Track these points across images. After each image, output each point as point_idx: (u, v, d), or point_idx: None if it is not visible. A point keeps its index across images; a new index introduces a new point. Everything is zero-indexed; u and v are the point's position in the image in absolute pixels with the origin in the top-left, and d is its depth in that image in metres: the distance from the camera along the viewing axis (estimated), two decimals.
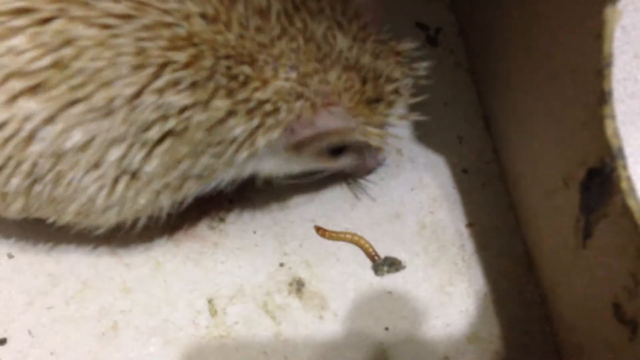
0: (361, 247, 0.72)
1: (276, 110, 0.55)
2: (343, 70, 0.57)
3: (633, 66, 0.46)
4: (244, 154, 0.56)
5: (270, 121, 0.55)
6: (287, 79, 0.55)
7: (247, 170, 0.61)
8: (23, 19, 0.49)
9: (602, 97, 0.49)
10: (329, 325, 0.69)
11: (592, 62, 0.49)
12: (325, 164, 0.66)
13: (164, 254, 0.71)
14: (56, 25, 0.49)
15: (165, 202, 0.59)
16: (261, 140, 0.56)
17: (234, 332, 0.68)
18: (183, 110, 0.52)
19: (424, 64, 0.63)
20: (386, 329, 0.69)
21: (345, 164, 0.68)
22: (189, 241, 0.72)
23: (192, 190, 0.59)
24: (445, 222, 0.75)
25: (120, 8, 0.50)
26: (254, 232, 0.72)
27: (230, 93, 0.53)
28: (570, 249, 0.59)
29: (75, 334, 0.67)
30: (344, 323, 0.70)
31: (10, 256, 0.69)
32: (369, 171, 0.74)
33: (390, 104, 0.61)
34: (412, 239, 0.74)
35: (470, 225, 0.74)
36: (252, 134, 0.56)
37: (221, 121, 0.54)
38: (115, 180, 0.55)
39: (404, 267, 0.72)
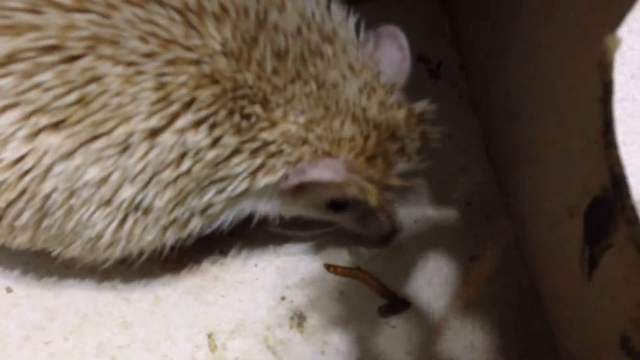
0: (372, 286, 0.71)
1: (279, 152, 0.55)
2: (347, 120, 0.56)
3: (631, 86, 0.46)
4: (241, 189, 0.56)
5: (272, 162, 0.55)
6: (295, 123, 0.55)
7: (246, 209, 0.60)
8: (52, 56, 0.50)
9: (604, 126, 0.48)
10: None
11: (593, 91, 0.49)
12: (322, 216, 0.65)
13: (163, 288, 0.70)
14: (83, 62, 0.50)
15: (172, 238, 0.59)
16: (261, 181, 0.56)
17: None
18: (199, 150, 0.53)
19: (438, 129, 0.63)
20: None
21: (345, 221, 0.66)
22: (189, 275, 0.71)
23: (197, 227, 0.59)
24: (449, 255, 0.74)
25: (146, 47, 0.51)
26: (255, 266, 0.72)
27: (239, 131, 0.53)
28: (576, 281, 0.58)
29: None
30: (346, 358, 0.68)
31: (9, 290, 0.69)
32: (380, 238, 0.71)
33: (392, 164, 0.59)
34: (416, 272, 0.73)
35: (474, 258, 0.73)
36: (253, 172, 0.55)
37: (227, 158, 0.54)
38: (125, 217, 0.55)
39: (408, 309, 0.71)
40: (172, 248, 0.62)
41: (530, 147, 0.65)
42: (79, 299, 0.69)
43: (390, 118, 0.58)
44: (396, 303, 0.71)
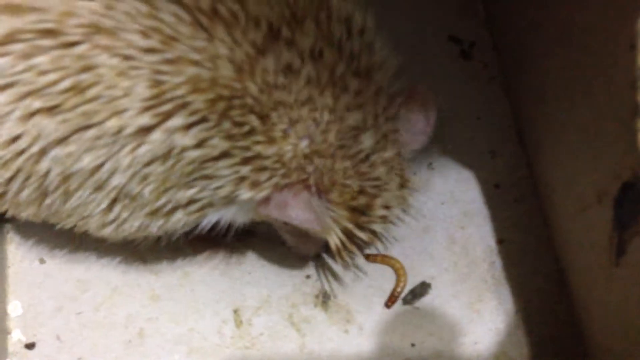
0: (397, 273, 0.71)
1: (271, 169, 0.53)
2: (352, 168, 0.55)
3: None
4: (224, 193, 0.54)
5: (260, 177, 0.53)
6: (295, 146, 0.53)
7: (226, 216, 0.59)
8: (49, 40, 0.50)
9: (636, 110, 0.47)
10: (354, 339, 0.69)
11: (626, 74, 0.48)
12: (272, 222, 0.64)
13: (191, 263, 0.71)
14: (79, 50, 0.49)
15: (155, 229, 0.58)
16: (245, 193, 0.54)
17: (258, 343, 0.68)
18: (185, 149, 0.52)
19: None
20: (412, 344, 0.68)
21: (283, 230, 0.65)
22: (216, 251, 0.72)
23: (181, 222, 0.57)
24: (476, 238, 0.73)
25: (146, 42, 0.50)
26: (282, 244, 0.72)
27: (230, 137, 0.52)
28: (604, 267, 0.57)
29: (102, 340, 0.68)
30: (369, 337, 0.69)
31: (42, 261, 0.71)
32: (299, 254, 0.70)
33: (371, 222, 0.58)
34: (442, 254, 0.73)
35: (501, 241, 0.73)
36: (239, 180, 0.54)
37: (215, 158, 0.53)
38: (113, 201, 0.55)
39: (430, 289, 0.71)
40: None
41: (561, 130, 0.64)
42: (109, 271, 0.71)
43: (390, 183, 0.58)
44: (416, 288, 0.71)
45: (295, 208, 0.54)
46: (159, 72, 0.50)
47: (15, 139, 0.52)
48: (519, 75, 0.76)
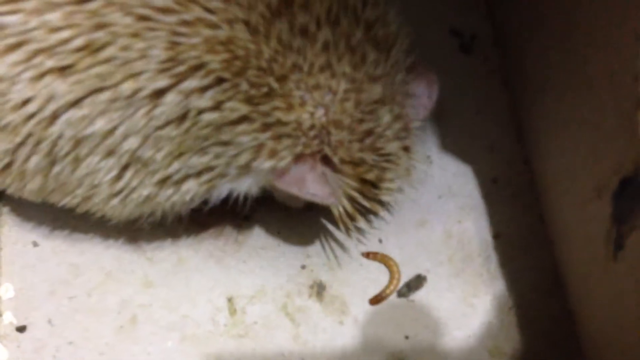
0: (391, 275, 0.71)
1: (292, 137, 0.53)
2: (368, 142, 0.55)
3: None
4: (242, 161, 0.54)
5: (280, 144, 0.53)
6: (312, 115, 0.53)
7: (241, 186, 0.58)
8: None
9: (639, 102, 0.47)
10: (348, 331, 0.68)
11: (629, 65, 0.48)
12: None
13: (187, 250, 0.71)
14: (92, 6, 0.49)
15: (164, 197, 0.57)
16: (265, 162, 0.54)
17: (252, 331, 0.68)
18: (200, 112, 0.52)
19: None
20: (406, 337, 0.68)
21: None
22: (213, 238, 0.71)
23: (191, 192, 0.57)
24: (472, 232, 0.73)
25: (162, 2, 0.49)
26: (278, 233, 0.72)
27: (248, 100, 0.52)
28: (601, 262, 0.57)
29: (94, 325, 0.67)
30: (363, 329, 0.69)
31: (35, 244, 0.70)
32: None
33: (379, 193, 0.59)
34: (437, 248, 0.72)
35: (497, 236, 0.73)
36: (258, 147, 0.54)
37: (233, 123, 0.52)
38: (125, 167, 0.54)
39: (425, 282, 0.71)
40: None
41: (562, 124, 0.64)
42: (103, 256, 0.70)
43: (401, 158, 0.59)
44: (411, 281, 0.70)
45: (312, 184, 0.55)
46: (175, 33, 0.49)
47: (26, 102, 0.51)
48: (519, 69, 0.76)
